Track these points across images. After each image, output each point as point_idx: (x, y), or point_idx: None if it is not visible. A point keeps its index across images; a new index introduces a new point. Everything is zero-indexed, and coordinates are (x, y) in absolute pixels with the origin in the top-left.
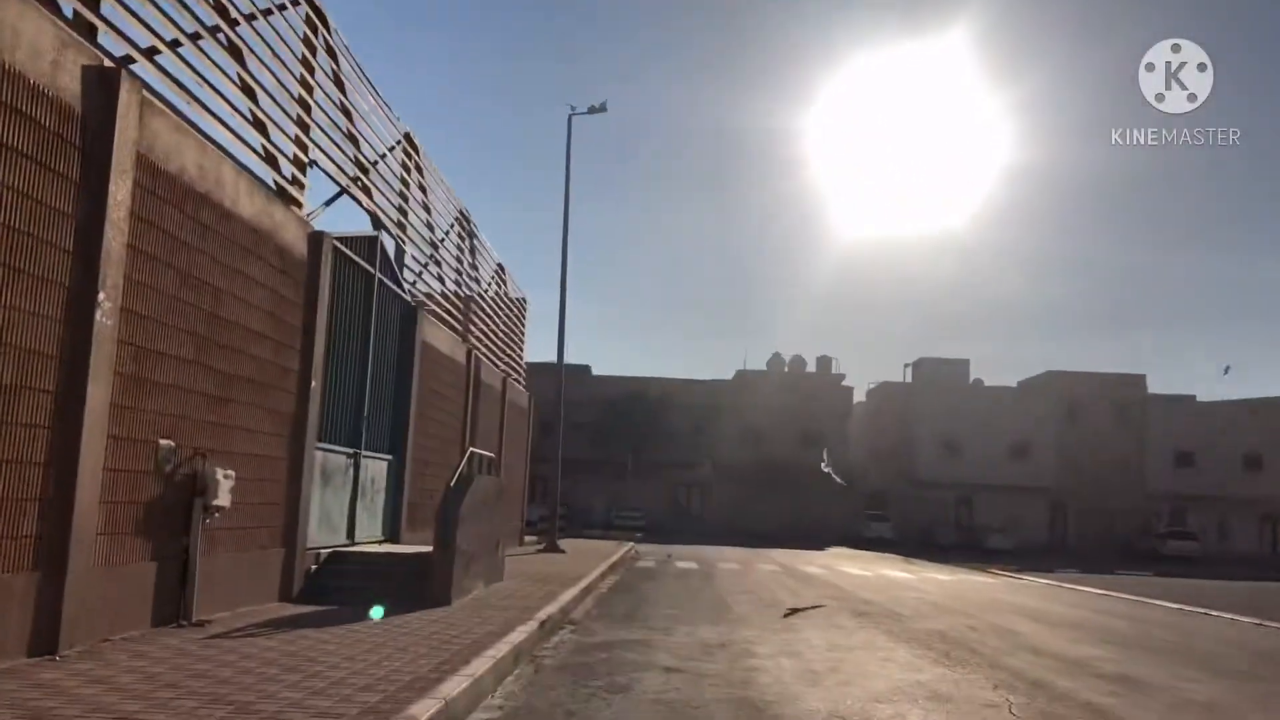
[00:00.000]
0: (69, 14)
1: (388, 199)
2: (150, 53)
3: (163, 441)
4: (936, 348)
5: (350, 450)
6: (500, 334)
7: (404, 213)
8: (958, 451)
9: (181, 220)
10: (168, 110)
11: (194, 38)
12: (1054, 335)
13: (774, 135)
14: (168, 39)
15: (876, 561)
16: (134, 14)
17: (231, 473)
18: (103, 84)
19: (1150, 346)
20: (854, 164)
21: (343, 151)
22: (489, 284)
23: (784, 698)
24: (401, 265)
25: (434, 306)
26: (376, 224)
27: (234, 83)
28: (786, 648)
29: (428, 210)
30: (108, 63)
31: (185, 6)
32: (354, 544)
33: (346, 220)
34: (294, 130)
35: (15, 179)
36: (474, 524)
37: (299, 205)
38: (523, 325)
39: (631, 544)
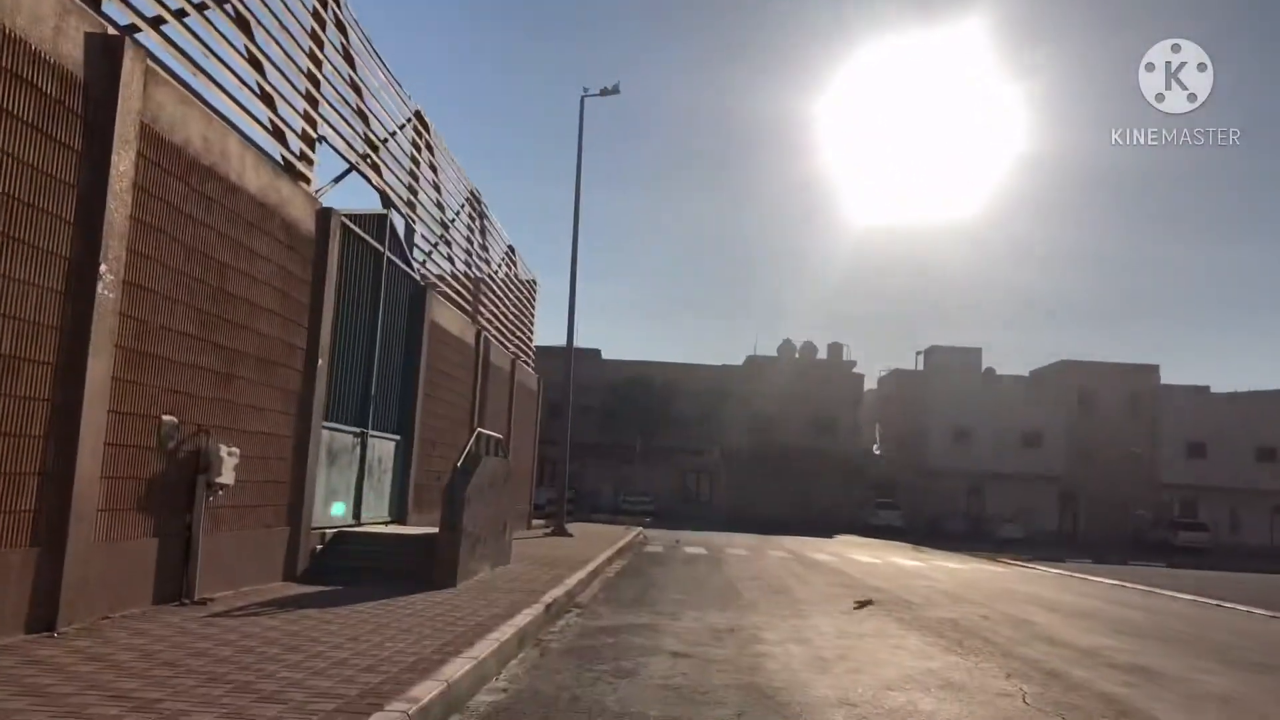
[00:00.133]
0: None
1: (397, 177)
2: (156, 22)
3: (165, 417)
4: (948, 336)
5: (357, 430)
6: (510, 316)
7: (414, 191)
8: (968, 440)
9: (186, 193)
10: (173, 81)
11: (200, 8)
12: (1067, 325)
13: (787, 121)
14: (174, 8)
15: (886, 549)
16: None
17: (236, 450)
18: (106, 52)
19: (1164, 337)
20: (867, 151)
21: (352, 128)
22: (499, 265)
23: (793, 684)
24: (411, 244)
25: (444, 287)
26: (386, 202)
27: (241, 55)
28: (795, 634)
29: (438, 190)
30: (112, 31)
31: None
32: (360, 524)
33: (356, 198)
34: (302, 105)
35: (15, 146)
36: (481, 506)
37: (307, 181)
38: (532, 307)
39: (639, 529)
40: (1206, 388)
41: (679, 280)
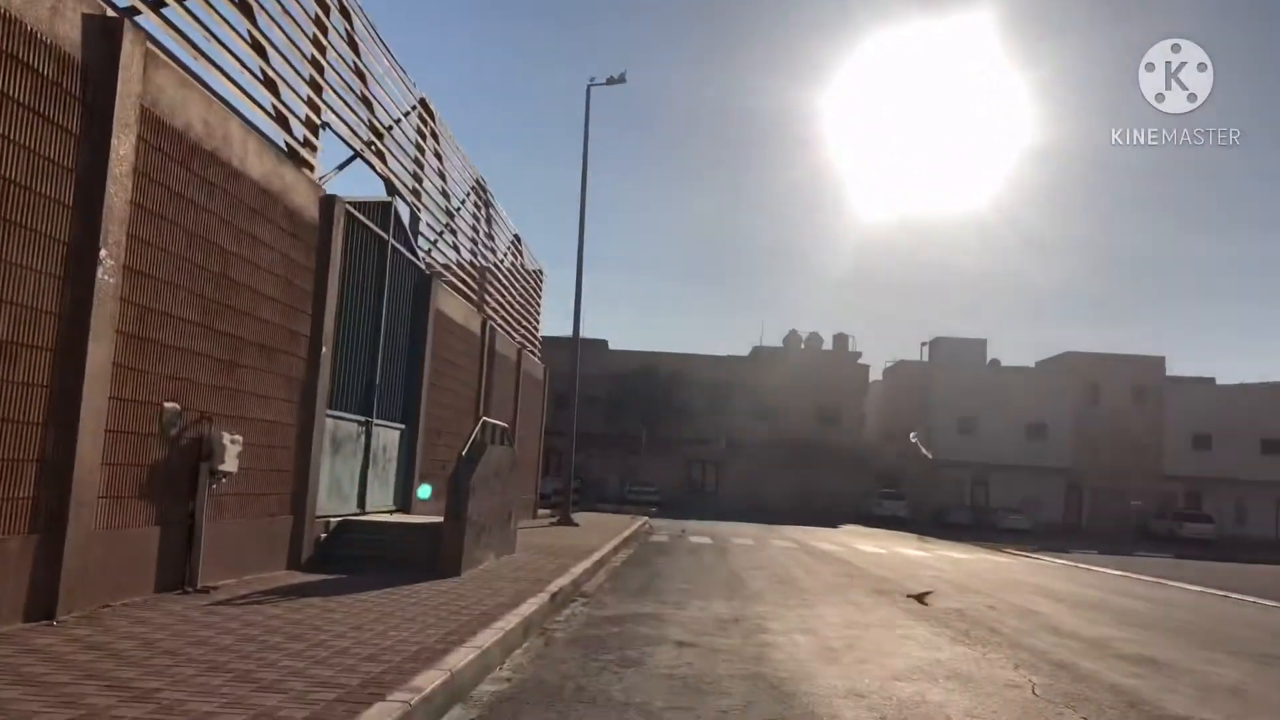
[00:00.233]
0: None
1: (402, 165)
2: (156, 4)
3: (168, 404)
4: (954, 327)
5: (362, 418)
6: (516, 305)
7: (419, 179)
8: (974, 431)
9: (187, 178)
10: (173, 65)
11: None
12: (1072, 316)
13: (794, 112)
14: None
15: (891, 539)
16: None
17: (239, 438)
18: (105, 34)
19: (1170, 328)
20: (874, 142)
21: (356, 114)
22: (505, 254)
23: (799, 675)
24: (416, 233)
25: (449, 276)
26: (391, 190)
27: (244, 39)
28: (802, 624)
29: (443, 178)
30: (110, 12)
31: None
32: (365, 513)
33: (361, 185)
34: (306, 91)
35: (11, 128)
36: (486, 495)
37: (311, 168)
38: (539, 297)
39: (645, 519)
40: (1212, 379)
41: (685, 271)
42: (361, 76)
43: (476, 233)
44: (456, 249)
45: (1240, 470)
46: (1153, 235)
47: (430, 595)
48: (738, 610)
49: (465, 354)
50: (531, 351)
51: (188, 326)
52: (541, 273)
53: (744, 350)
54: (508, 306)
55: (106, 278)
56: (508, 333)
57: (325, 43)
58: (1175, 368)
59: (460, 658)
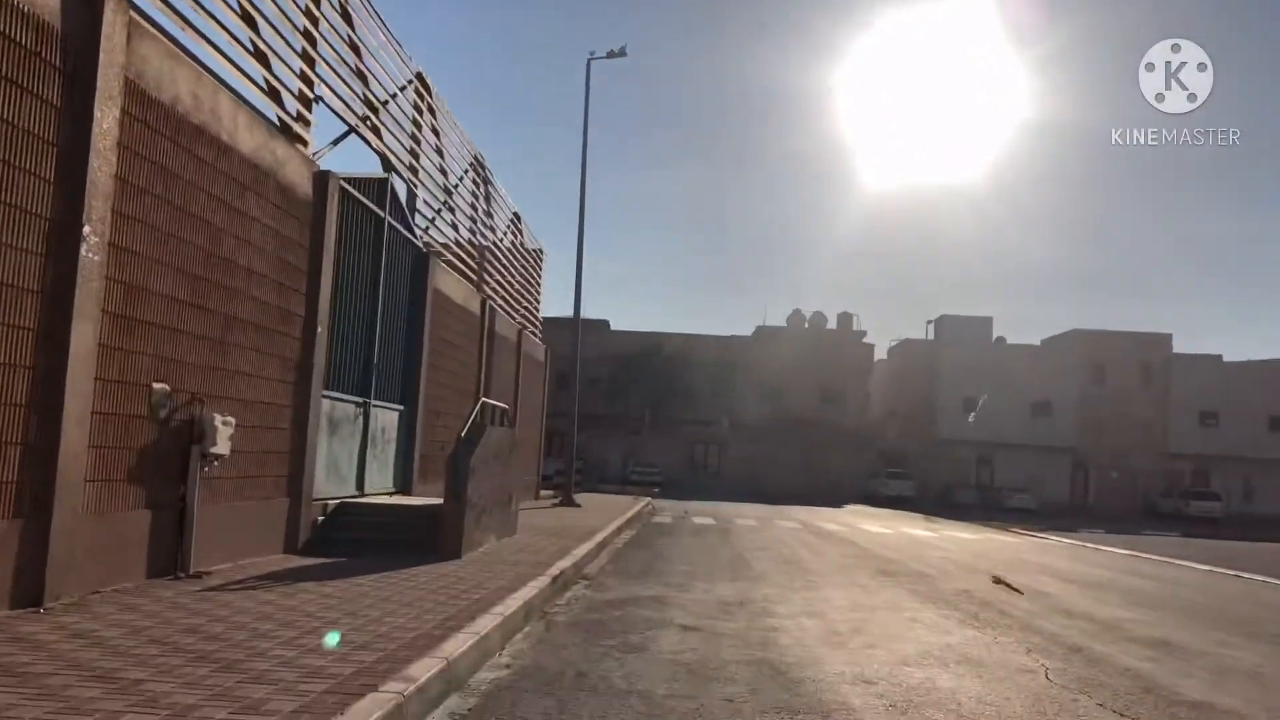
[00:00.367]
0: None
1: (398, 140)
2: None
3: (156, 385)
4: (959, 306)
5: (359, 399)
6: (516, 285)
7: (415, 155)
8: (980, 409)
9: (175, 152)
10: (159, 35)
11: None
12: (1078, 293)
13: (798, 90)
14: None
15: (896, 519)
16: None
17: (231, 419)
18: (85, 2)
19: (1176, 306)
20: (878, 120)
21: (351, 89)
22: (504, 233)
23: (806, 660)
24: (413, 210)
25: (447, 255)
26: (387, 166)
27: (233, 10)
28: (807, 607)
29: (440, 154)
30: None
31: None
32: (363, 495)
33: (356, 161)
34: (298, 64)
35: None
36: (486, 476)
37: (304, 143)
38: (539, 277)
39: (648, 499)
40: (1219, 356)
41: (688, 250)
42: (356, 50)
43: (475, 211)
44: (455, 227)
45: (1248, 447)
46: (1158, 212)
47: (429, 579)
48: (742, 593)
49: (464, 334)
50: (532, 332)
51: (177, 305)
52: (541, 252)
53: (747, 330)
54: (507, 286)
55: (90, 255)
56: (508, 313)
57: (318, 14)
58: (1182, 344)
59: (458, 644)
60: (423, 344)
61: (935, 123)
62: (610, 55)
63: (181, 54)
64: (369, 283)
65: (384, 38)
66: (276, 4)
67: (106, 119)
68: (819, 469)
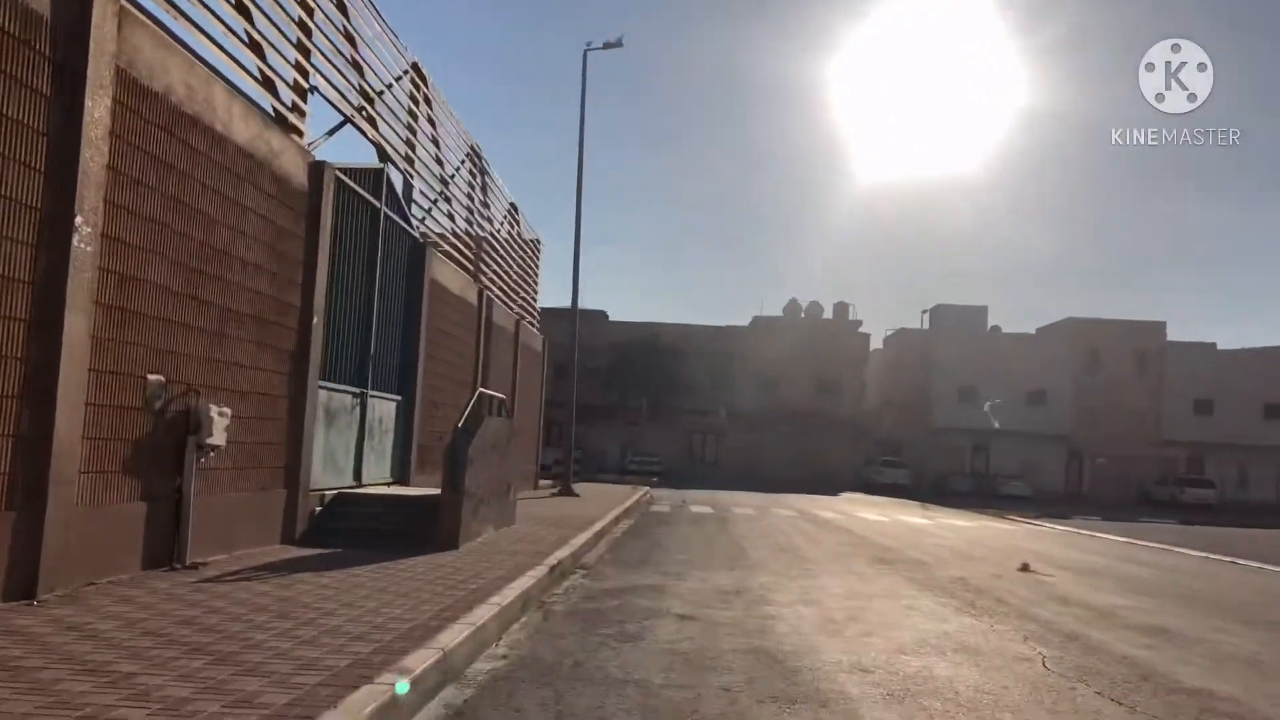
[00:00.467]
0: None
1: (394, 130)
2: None
3: (151, 376)
4: (955, 295)
5: (356, 390)
6: (513, 275)
7: (412, 146)
8: (974, 398)
9: (168, 143)
10: (151, 24)
11: None
12: (1073, 282)
13: (794, 80)
14: None
15: (892, 507)
16: None
17: (227, 410)
18: None
19: (1170, 294)
20: (874, 110)
21: (346, 79)
22: (501, 224)
23: (803, 649)
24: (409, 200)
25: (444, 245)
26: (382, 156)
27: (227, 1)
28: (804, 595)
29: (437, 145)
30: None
31: None
32: (361, 486)
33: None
34: (293, 54)
35: None
36: (484, 466)
37: (299, 134)
38: (536, 267)
39: (646, 489)
40: (1213, 344)
41: (685, 241)
42: (351, 40)
43: (472, 201)
44: (451, 218)
45: (1242, 435)
46: (1153, 202)
47: (426, 569)
48: (739, 581)
49: (462, 324)
50: (530, 322)
51: (171, 296)
52: (539, 242)
53: (744, 321)
54: (505, 276)
55: (83, 245)
56: (505, 303)
57: (313, 4)
58: (1176, 333)
59: (455, 635)
60: (420, 334)
61: (932, 113)
62: (607, 46)
63: (174, 43)
64: (365, 273)
65: (379, 28)
66: None
67: (98, 109)
68: (815, 458)
